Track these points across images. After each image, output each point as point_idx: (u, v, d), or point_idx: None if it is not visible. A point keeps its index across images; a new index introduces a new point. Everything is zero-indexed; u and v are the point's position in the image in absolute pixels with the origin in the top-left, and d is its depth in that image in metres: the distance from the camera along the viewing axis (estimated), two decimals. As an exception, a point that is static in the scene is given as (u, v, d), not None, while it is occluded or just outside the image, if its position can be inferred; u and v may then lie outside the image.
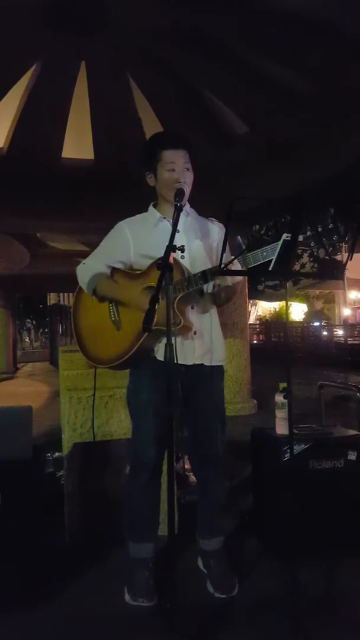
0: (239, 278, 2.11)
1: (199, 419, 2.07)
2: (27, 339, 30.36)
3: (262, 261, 1.78)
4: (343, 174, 5.50)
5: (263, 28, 3.13)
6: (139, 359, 2.02)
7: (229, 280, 2.02)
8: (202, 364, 2.05)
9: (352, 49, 3.20)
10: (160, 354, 1.98)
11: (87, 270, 2.08)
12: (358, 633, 1.82)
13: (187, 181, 2.00)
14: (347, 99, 3.80)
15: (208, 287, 2.02)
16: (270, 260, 1.75)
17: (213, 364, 2.08)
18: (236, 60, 3.47)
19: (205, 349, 2.05)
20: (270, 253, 1.76)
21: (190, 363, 2.02)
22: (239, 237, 1.86)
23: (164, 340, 1.77)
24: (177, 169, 2.00)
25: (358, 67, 3.37)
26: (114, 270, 2.09)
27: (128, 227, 2.09)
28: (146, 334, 1.88)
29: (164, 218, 2.07)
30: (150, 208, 2.13)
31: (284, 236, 1.72)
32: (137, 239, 2.06)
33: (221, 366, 2.14)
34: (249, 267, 1.83)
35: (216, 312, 2.13)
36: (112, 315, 2.07)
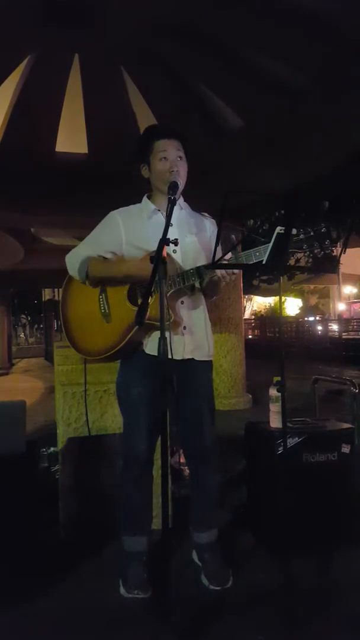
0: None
1: (190, 414, 2.08)
2: (22, 335, 30.32)
3: (255, 261, 1.78)
4: (338, 170, 5.50)
5: (261, 24, 3.11)
6: (128, 352, 2.02)
7: (219, 273, 2.01)
8: (192, 359, 2.05)
9: (350, 46, 3.19)
10: (149, 348, 1.98)
11: (76, 257, 2.06)
12: (350, 624, 1.83)
13: (180, 170, 1.99)
14: (344, 96, 3.79)
15: (198, 282, 2.02)
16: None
17: (203, 359, 2.09)
18: (232, 55, 3.46)
19: (196, 344, 2.06)
20: (263, 253, 1.76)
21: (180, 358, 2.01)
22: (232, 235, 1.85)
23: (154, 334, 1.76)
24: (169, 157, 1.99)
25: (356, 63, 3.36)
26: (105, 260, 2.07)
27: (121, 218, 2.07)
28: (136, 327, 1.88)
29: (158, 210, 2.06)
30: (144, 199, 2.12)
31: (278, 229, 1.72)
32: (129, 230, 2.05)
33: (210, 361, 2.15)
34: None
35: (206, 307, 2.13)
36: (102, 308, 2.06)
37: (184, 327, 2.03)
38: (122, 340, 1.96)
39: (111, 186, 4.73)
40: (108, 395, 2.67)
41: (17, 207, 6.17)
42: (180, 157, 2.02)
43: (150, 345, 1.97)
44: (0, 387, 10.07)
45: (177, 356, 2.00)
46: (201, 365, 2.09)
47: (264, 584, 2.05)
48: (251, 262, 1.80)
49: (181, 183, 1.97)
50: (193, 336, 2.05)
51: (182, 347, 2.02)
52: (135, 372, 2.03)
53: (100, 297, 2.07)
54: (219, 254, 1.73)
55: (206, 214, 2.17)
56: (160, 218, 2.03)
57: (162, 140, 2.01)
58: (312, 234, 1.74)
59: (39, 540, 2.12)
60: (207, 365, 2.13)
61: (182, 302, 2.04)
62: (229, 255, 1.82)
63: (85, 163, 4.58)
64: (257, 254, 1.78)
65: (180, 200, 2.09)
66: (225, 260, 1.80)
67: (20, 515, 2.04)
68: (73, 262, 2.06)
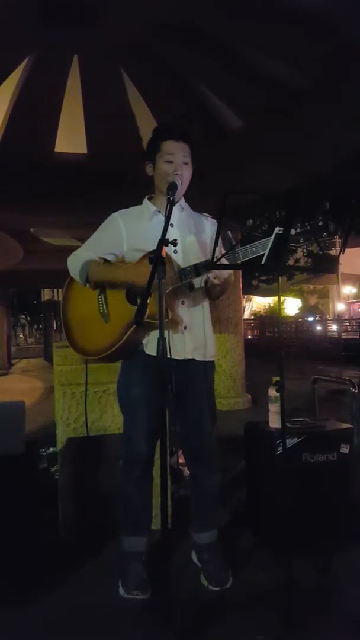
0: (230, 272, 2.07)
1: (191, 414, 2.07)
2: (21, 335, 30.33)
3: (252, 257, 1.78)
4: (337, 170, 5.51)
5: (260, 23, 3.11)
6: (126, 352, 2.02)
7: (220, 274, 2.01)
8: (193, 359, 2.05)
9: (350, 46, 3.19)
10: (149, 348, 1.98)
11: (78, 260, 2.06)
12: (350, 624, 1.84)
13: (184, 175, 1.99)
14: (343, 96, 3.80)
15: (199, 282, 2.01)
16: (262, 255, 1.75)
17: (204, 360, 2.08)
18: (232, 55, 3.46)
19: (197, 344, 2.05)
20: (261, 248, 1.75)
21: (180, 358, 2.01)
22: (228, 231, 1.85)
23: (153, 334, 1.76)
24: (175, 160, 1.99)
25: (355, 63, 3.36)
26: (105, 262, 2.07)
27: (122, 219, 2.07)
28: (134, 326, 1.88)
29: (159, 212, 2.06)
30: (145, 201, 2.12)
31: (277, 230, 1.72)
32: (130, 232, 2.05)
33: (212, 362, 2.14)
34: (239, 262, 1.83)
35: (208, 307, 2.12)
36: (101, 307, 2.06)
37: (185, 327, 2.02)
38: (120, 340, 1.96)
39: (111, 186, 4.74)
40: (107, 396, 2.67)
41: (17, 207, 6.17)
42: (186, 162, 2.01)
43: (151, 346, 1.97)
44: (0, 388, 10.06)
45: (178, 356, 2.00)
46: (202, 366, 2.08)
47: (264, 584, 2.04)
48: (248, 259, 1.79)
49: (181, 185, 1.97)
50: (193, 336, 2.04)
51: (183, 347, 2.02)
52: (136, 372, 2.03)
53: (100, 297, 2.07)
54: (218, 254, 1.73)
55: (207, 215, 2.17)
56: (161, 219, 2.01)
57: (170, 142, 2.00)
58: (308, 227, 1.74)
59: (39, 540, 2.12)
60: (209, 365, 2.12)
61: (182, 302, 2.03)
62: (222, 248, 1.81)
63: (85, 163, 4.58)
64: (254, 249, 1.77)
65: (182, 201, 2.09)
66: (223, 258, 1.79)
67: (20, 515, 2.04)
68: (74, 265, 2.07)
